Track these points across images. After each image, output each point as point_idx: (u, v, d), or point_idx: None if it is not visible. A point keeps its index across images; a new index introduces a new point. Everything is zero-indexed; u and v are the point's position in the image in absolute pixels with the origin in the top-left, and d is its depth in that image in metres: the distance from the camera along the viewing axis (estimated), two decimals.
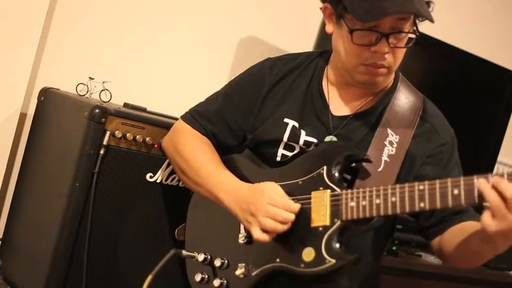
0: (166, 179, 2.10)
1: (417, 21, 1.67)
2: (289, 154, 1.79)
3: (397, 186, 1.50)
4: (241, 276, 1.68)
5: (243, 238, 1.72)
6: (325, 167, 1.64)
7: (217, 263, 1.73)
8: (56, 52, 2.50)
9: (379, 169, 1.67)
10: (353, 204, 1.55)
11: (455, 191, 1.41)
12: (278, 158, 1.81)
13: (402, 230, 2.72)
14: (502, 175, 1.38)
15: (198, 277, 1.77)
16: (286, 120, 1.80)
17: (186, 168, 1.85)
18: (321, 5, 1.75)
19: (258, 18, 2.89)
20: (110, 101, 2.18)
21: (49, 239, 1.98)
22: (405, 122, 1.75)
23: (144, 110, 2.21)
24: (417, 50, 2.55)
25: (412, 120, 1.75)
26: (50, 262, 1.96)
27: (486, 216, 1.39)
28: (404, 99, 1.79)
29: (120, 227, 2.05)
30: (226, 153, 1.90)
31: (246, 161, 1.87)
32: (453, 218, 1.70)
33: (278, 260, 1.63)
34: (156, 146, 2.07)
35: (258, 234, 1.60)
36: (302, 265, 1.58)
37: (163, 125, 2.08)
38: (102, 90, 2.19)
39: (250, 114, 1.86)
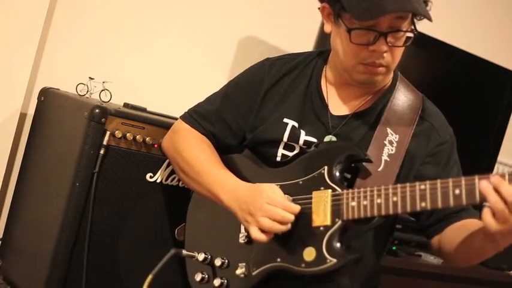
0: (166, 179, 2.10)
1: (415, 21, 1.67)
2: (289, 154, 1.79)
3: (399, 185, 1.50)
4: (242, 275, 1.68)
5: (243, 238, 1.72)
6: (326, 167, 1.64)
7: (218, 262, 1.73)
8: (56, 52, 2.50)
9: (380, 168, 1.68)
10: (354, 204, 1.55)
11: (457, 191, 1.41)
12: (278, 158, 1.81)
13: (402, 230, 2.72)
14: (503, 175, 1.38)
15: (198, 277, 1.77)
16: (285, 120, 1.80)
17: (186, 168, 1.85)
18: (319, 5, 1.76)
19: (258, 18, 2.89)
20: (110, 101, 2.18)
21: (49, 239, 1.98)
22: (404, 121, 1.75)
23: (144, 110, 2.21)
24: (417, 50, 2.56)
25: (411, 119, 1.75)
26: (50, 262, 1.96)
27: (487, 215, 1.40)
28: (403, 98, 1.79)
29: (120, 227, 2.05)
30: (226, 153, 1.90)
31: (246, 161, 1.86)
32: (453, 216, 1.71)
33: (279, 259, 1.63)
34: (156, 146, 2.07)
35: (256, 233, 1.60)
36: (303, 265, 1.58)
37: (163, 125, 2.08)
38: (102, 90, 2.19)
39: (249, 114, 1.86)
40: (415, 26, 1.67)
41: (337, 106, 1.80)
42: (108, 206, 2.02)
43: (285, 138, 1.79)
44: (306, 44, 2.63)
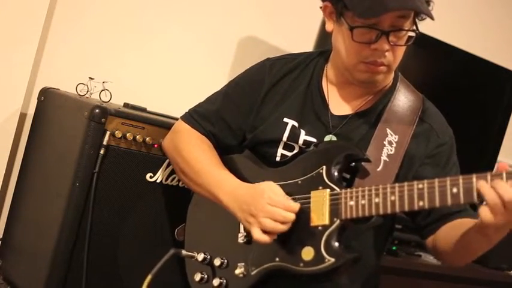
0: (166, 179, 2.10)
1: (417, 20, 1.67)
2: (289, 154, 1.79)
3: (396, 185, 1.50)
4: (241, 275, 1.68)
5: (242, 238, 1.72)
6: (324, 167, 1.64)
7: (217, 262, 1.74)
8: (56, 52, 2.50)
9: (379, 169, 1.68)
10: (352, 203, 1.55)
11: (454, 190, 1.41)
12: (277, 158, 1.81)
13: (402, 230, 2.72)
14: (500, 174, 1.38)
15: (197, 277, 1.77)
16: (285, 119, 1.80)
17: (186, 168, 1.85)
18: (321, 4, 1.76)
19: (258, 18, 2.89)
20: (110, 101, 2.18)
21: (49, 239, 1.98)
22: (404, 121, 1.75)
23: (144, 110, 2.21)
24: (417, 50, 2.55)
25: (411, 120, 1.75)
26: (50, 262, 1.96)
27: (484, 207, 1.39)
28: (403, 99, 1.79)
29: (120, 227, 2.05)
30: (226, 153, 1.90)
31: (245, 161, 1.86)
32: (449, 216, 1.70)
33: (277, 259, 1.63)
34: (156, 146, 2.07)
35: (258, 235, 1.60)
36: (301, 264, 1.58)
37: (163, 125, 2.08)
38: (102, 90, 2.19)
39: (250, 114, 1.86)
40: (417, 26, 1.67)
41: (338, 106, 1.80)
42: (108, 206, 2.02)
43: (285, 138, 1.79)
44: (306, 44, 2.63)
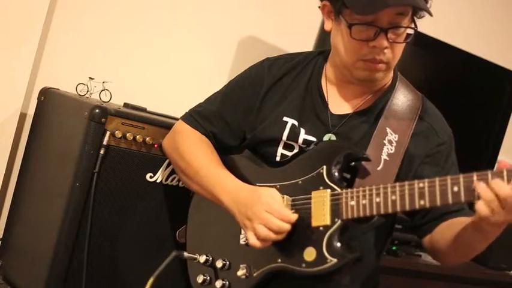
0: (166, 179, 2.10)
1: (415, 18, 1.67)
2: (289, 154, 1.79)
3: (397, 184, 1.50)
4: (243, 277, 1.68)
5: (244, 239, 1.72)
6: (324, 167, 1.64)
7: (219, 264, 1.73)
8: (56, 52, 2.50)
9: (379, 168, 1.68)
10: (353, 203, 1.55)
11: (455, 188, 1.41)
12: (277, 158, 1.81)
13: (402, 230, 2.72)
14: (501, 172, 1.38)
15: (200, 278, 1.77)
16: (285, 118, 1.80)
17: (186, 168, 1.85)
18: (319, 4, 1.76)
19: (258, 18, 2.89)
20: (110, 101, 2.18)
21: (49, 239, 1.98)
22: (404, 121, 1.75)
23: (144, 110, 2.21)
24: (417, 50, 2.56)
25: (410, 119, 1.75)
26: (50, 262, 1.96)
27: (481, 203, 1.39)
28: (403, 98, 1.79)
29: (120, 227, 2.05)
30: (226, 153, 1.90)
31: (245, 161, 1.86)
32: (447, 215, 1.70)
33: (279, 260, 1.63)
34: (156, 146, 2.07)
35: (252, 240, 1.60)
36: (303, 265, 1.58)
37: (163, 125, 2.08)
38: (102, 90, 2.19)
39: (249, 114, 1.86)
40: (415, 23, 1.67)
41: (338, 105, 1.80)
42: (108, 206, 2.02)
43: (284, 137, 1.79)
44: (306, 44, 2.63)
